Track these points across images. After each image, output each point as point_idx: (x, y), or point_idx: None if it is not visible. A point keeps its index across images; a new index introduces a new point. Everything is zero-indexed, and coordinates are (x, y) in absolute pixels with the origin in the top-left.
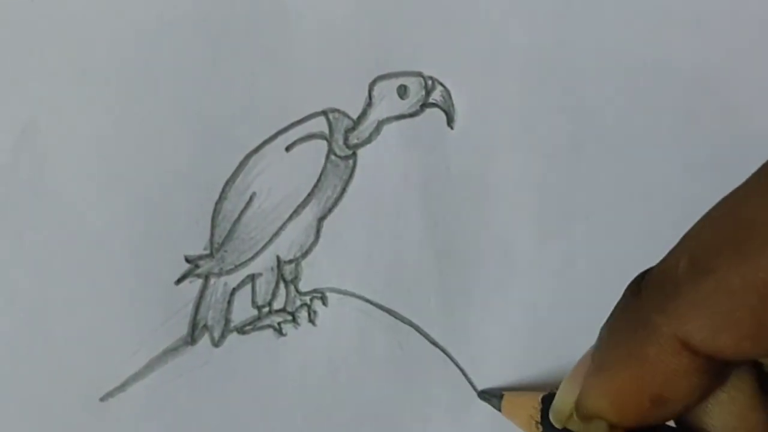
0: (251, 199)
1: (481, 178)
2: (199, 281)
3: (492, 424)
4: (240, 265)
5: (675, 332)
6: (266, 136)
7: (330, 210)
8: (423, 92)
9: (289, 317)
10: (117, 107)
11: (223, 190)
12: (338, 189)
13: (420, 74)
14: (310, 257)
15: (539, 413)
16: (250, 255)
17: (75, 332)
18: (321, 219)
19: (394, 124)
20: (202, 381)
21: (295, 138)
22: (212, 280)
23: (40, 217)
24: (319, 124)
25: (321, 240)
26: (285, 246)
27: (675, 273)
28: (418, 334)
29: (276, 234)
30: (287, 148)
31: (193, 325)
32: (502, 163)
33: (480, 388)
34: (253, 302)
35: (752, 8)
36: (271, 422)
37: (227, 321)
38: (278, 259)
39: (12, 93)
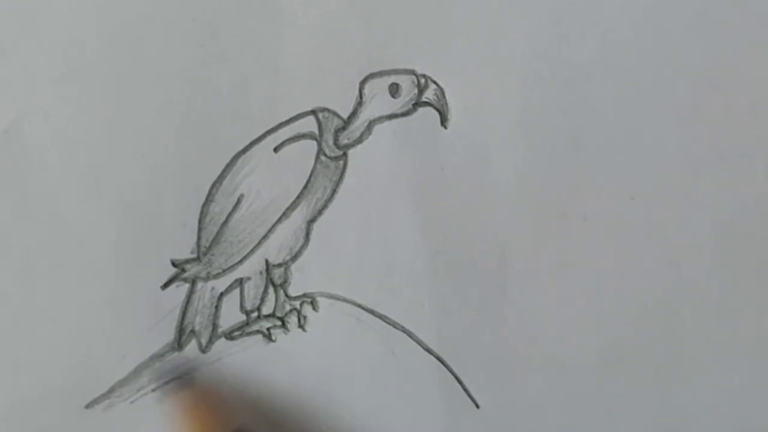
0: (239, 201)
1: (476, 179)
2: (186, 286)
3: None
4: (228, 269)
5: None
6: (254, 136)
7: (320, 212)
8: (415, 90)
9: (279, 322)
10: (102, 107)
11: (210, 192)
12: (328, 190)
13: (412, 72)
14: (299, 261)
15: None
16: (238, 258)
17: (59, 338)
18: (311, 221)
19: (386, 124)
20: (190, 387)
21: (283, 138)
22: (199, 285)
23: (23, 219)
24: (309, 124)
25: (311, 243)
26: (274, 249)
27: None
28: (411, 341)
29: (264, 237)
30: (276, 149)
31: (180, 331)
32: (497, 163)
33: (477, 397)
34: (242, 307)
35: (754, 6)
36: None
37: (215, 326)
38: (267, 262)
39: None
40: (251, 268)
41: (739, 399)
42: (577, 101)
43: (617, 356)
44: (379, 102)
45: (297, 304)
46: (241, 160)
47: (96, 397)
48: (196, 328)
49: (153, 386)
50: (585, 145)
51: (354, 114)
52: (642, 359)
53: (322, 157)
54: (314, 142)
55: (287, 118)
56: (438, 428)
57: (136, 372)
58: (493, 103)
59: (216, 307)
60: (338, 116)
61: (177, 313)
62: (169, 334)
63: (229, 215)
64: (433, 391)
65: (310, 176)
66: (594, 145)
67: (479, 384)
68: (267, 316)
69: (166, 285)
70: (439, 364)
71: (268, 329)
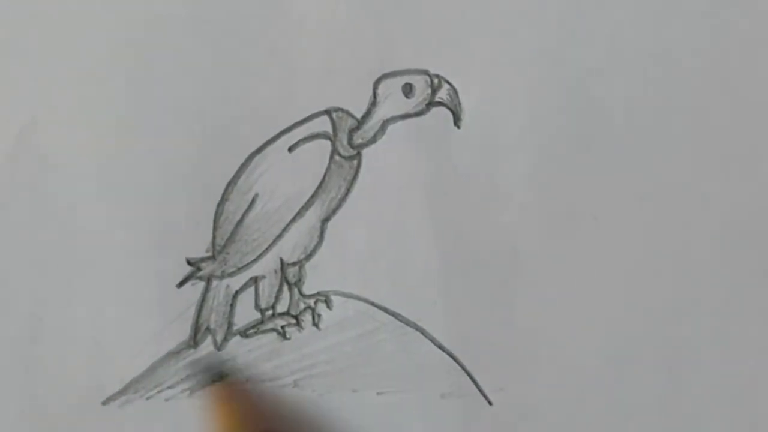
0: (254, 200)
1: (489, 178)
2: (202, 284)
3: None
4: (242, 267)
5: None
6: (269, 136)
7: (334, 211)
8: (429, 91)
9: (293, 320)
10: (116, 108)
11: (225, 191)
12: (342, 190)
13: (426, 72)
14: (313, 259)
15: None
16: (252, 257)
17: (75, 335)
18: (325, 220)
19: (400, 124)
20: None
21: (298, 138)
22: (214, 283)
23: (39, 219)
24: (323, 124)
25: (325, 242)
26: (288, 248)
27: None
28: (424, 338)
29: (279, 236)
30: (290, 149)
31: (196, 329)
32: (509, 163)
33: (489, 394)
34: (256, 305)
35: (763, 6)
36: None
37: (230, 324)
38: (281, 261)
39: (11, 93)
40: (266, 266)
41: (750, 398)
42: (587, 101)
43: (628, 354)
44: (392, 102)
45: (311, 302)
46: (255, 159)
47: (112, 394)
48: (212, 326)
49: (169, 383)
50: (596, 145)
51: (368, 114)
52: (653, 357)
53: (336, 157)
54: (328, 142)
55: (301, 118)
56: (450, 425)
57: (152, 369)
58: (506, 102)
59: (231, 305)
60: (352, 116)
61: (192, 311)
62: (185, 332)
63: (244, 214)
64: (445, 388)
65: (325, 175)
66: (605, 145)
67: (492, 381)
68: (281, 314)
69: (181, 283)
70: (452, 361)
71: (282, 327)
